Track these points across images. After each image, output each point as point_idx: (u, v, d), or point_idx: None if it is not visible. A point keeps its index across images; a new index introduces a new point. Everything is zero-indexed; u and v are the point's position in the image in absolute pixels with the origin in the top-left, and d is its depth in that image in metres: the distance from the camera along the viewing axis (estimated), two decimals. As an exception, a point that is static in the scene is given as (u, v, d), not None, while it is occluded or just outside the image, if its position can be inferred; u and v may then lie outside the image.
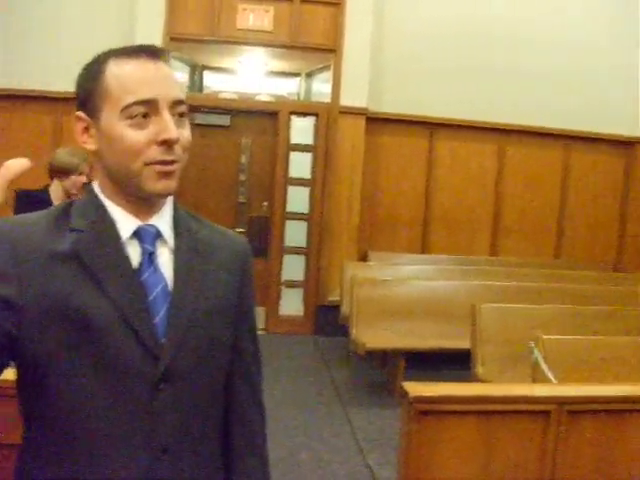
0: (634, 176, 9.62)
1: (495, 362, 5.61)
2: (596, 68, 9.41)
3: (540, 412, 3.00)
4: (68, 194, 4.65)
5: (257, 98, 9.68)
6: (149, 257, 1.49)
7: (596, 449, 3.15)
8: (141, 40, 1.53)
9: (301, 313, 9.01)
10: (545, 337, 4.60)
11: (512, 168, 9.50)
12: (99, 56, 1.48)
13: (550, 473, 3.04)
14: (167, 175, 1.45)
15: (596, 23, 9.43)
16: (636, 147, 9.61)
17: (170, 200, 1.58)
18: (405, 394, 2.91)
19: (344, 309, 7.48)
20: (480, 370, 5.57)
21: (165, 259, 1.52)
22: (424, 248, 9.37)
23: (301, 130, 8.95)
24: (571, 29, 9.38)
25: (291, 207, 8.94)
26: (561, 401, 2.99)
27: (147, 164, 1.43)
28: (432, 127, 9.26)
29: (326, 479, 5.08)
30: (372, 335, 6.68)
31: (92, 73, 1.47)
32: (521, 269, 8.54)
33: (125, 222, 1.49)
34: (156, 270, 1.49)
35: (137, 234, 1.49)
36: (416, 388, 2.95)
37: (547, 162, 9.56)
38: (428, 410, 2.87)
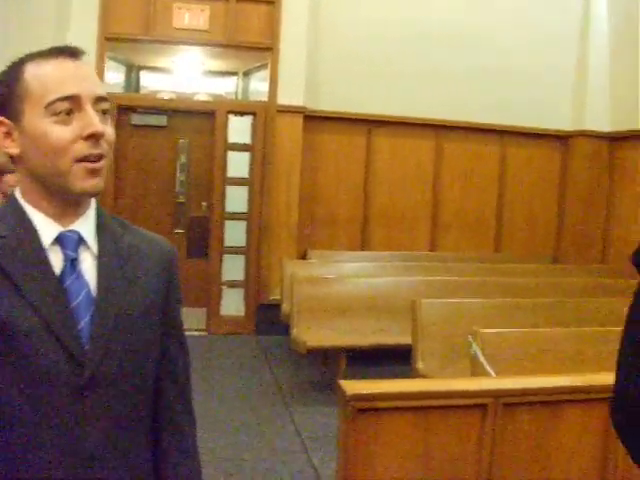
0: (570, 170, 9.77)
1: (436, 357, 5.64)
2: (531, 65, 9.53)
3: (476, 406, 3.02)
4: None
5: (195, 98, 9.62)
6: (71, 263, 1.46)
7: (533, 440, 3.19)
8: (74, 41, 1.52)
9: (242, 313, 8.97)
10: (483, 331, 4.64)
11: (450, 164, 9.59)
12: (15, 61, 1.47)
13: (488, 466, 3.07)
14: (95, 173, 1.43)
15: (531, 21, 9.56)
16: (571, 141, 9.76)
17: (94, 205, 1.55)
18: (342, 392, 2.91)
19: (285, 308, 7.47)
20: (421, 365, 5.60)
21: (88, 265, 1.49)
22: (364, 245, 9.40)
23: (239, 129, 8.91)
24: (506, 27, 9.48)
25: (230, 207, 8.89)
26: (497, 394, 3.02)
27: (76, 160, 1.41)
28: (370, 124, 9.29)
29: (270, 479, 5.07)
30: (313, 333, 6.67)
31: (10, 77, 1.45)
32: (461, 264, 8.62)
33: (46, 228, 1.46)
34: (79, 276, 1.46)
35: (59, 240, 1.46)
36: (353, 386, 2.94)
37: (484, 157, 9.67)
38: (365, 408, 2.87)
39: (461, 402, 3.02)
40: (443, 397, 3.00)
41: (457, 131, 9.50)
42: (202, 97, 9.65)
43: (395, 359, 6.79)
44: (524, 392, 3.13)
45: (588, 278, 7.94)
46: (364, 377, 6.60)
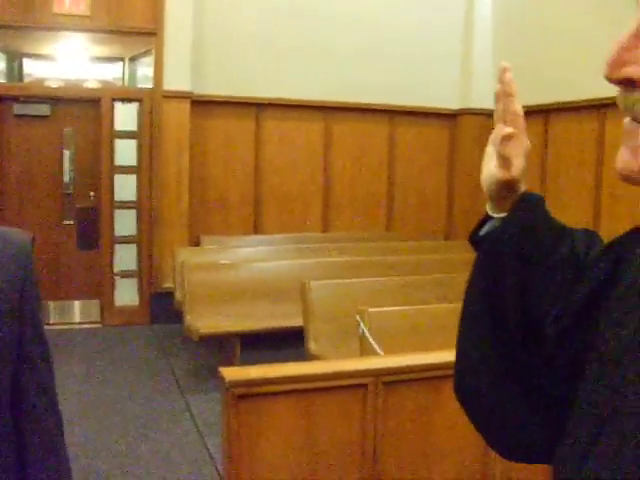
0: (459, 148, 9.95)
1: (327, 338, 5.68)
2: (418, 44, 9.64)
3: (357, 386, 3.06)
4: None
5: (84, 85, 9.39)
6: None
7: (416, 416, 3.25)
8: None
9: (137, 303, 8.86)
10: (370, 310, 4.70)
11: (340, 144, 9.64)
12: None
13: (372, 444, 3.11)
14: None
15: (419, 0, 9.68)
16: (459, 119, 9.94)
17: None
18: (222, 379, 2.90)
19: (177, 296, 7.41)
20: (313, 347, 5.64)
21: None
22: (257, 228, 9.39)
23: (125, 116, 8.77)
24: (394, 7, 9.56)
25: (119, 196, 8.75)
26: (376, 373, 3.06)
27: None
28: (258, 107, 9.26)
29: (167, 469, 5.04)
30: (206, 320, 6.64)
31: None
32: (353, 244, 8.68)
33: None
34: None
35: None
36: (232, 372, 2.95)
37: (373, 137, 9.76)
38: (245, 394, 2.87)
39: (342, 383, 3.05)
40: (323, 379, 3.02)
41: (346, 112, 9.56)
42: (89, 84, 9.43)
43: (291, 342, 6.82)
44: (403, 370, 3.18)
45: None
46: (260, 361, 6.63)
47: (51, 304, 8.70)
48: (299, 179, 9.51)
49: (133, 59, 9.75)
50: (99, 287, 8.77)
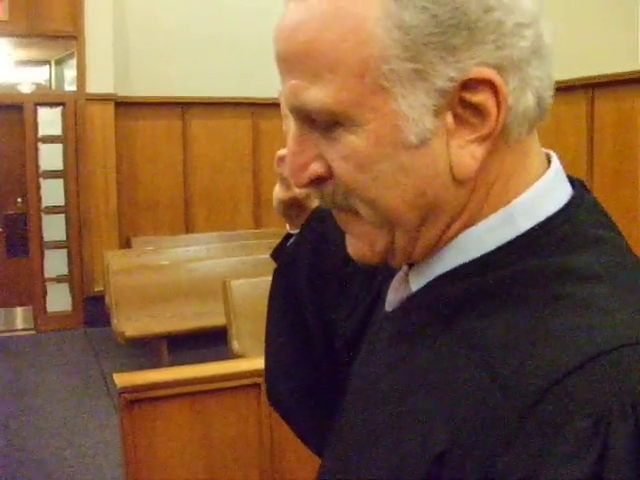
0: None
1: (250, 337, 5.73)
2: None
3: (250, 386, 3.11)
4: None
5: (12, 89, 9.29)
6: None
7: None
8: None
9: (70, 308, 8.81)
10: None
11: (268, 141, 9.67)
12: None
13: (269, 441, 3.17)
14: None
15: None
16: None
17: None
18: (114, 385, 2.95)
19: (107, 299, 7.40)
20: (236, 345, 5.69)
21: None
22: (188, 227, 9.40)
23: (49, 121, 8.69)
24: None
25: (47, 201, 8.67)
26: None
27: None
28: (184, 106, 9.26)
29: (91, 474, 5.05)
30: (133, 323, 6.64)
31: None
32: (283, 239, 8.70)
33: None
34: None
35: None
36: (123, 378, 2.98)
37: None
38: (137, 399, 2.91)
39: (234, 384, 3.10)
40: (215, 381, 3.07)
41: (274, 108, 9.56)
42: (17, 87, 9.35)
43: (220, 341, 6.85)
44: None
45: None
46: (188, 362, 6.66)
47: (-18, 313, 8.65)
48: (228, 177, 9.53)
49: (59, 61, 9.70)
50: (31, 294, 8.71)
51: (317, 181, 0.80)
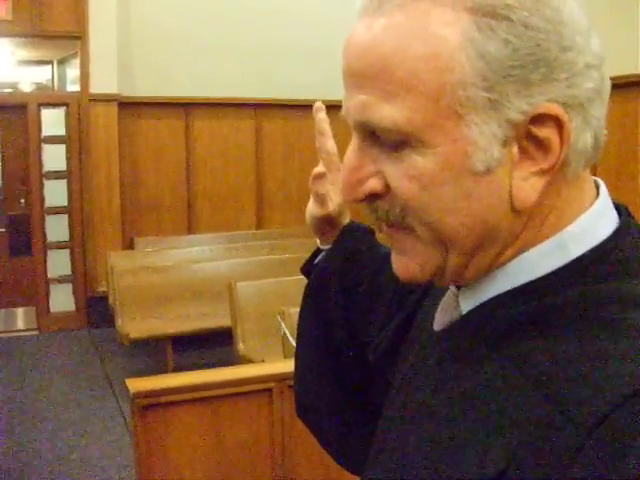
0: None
1: (256, 338, 5.74)
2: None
3: (262, 391, 3.13)
4: None
5: (15, 88, 9.30)
6: None
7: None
8: None
9: (73, 308, 8.82)
10: (291, 310, 4.75)
11: (270, 141, 9.69)
12: None
13: (280, 446, 3.18)
14: None
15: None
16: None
17: None
18: (127, 390, 2.95)
19: (110, 300, 7.41)
20: (242, 347, 5.70)
21: None
22: (191, 228, 9.41)
23: (53, 121, 8.70)
24: (323, 4, 9.59)
25: (50, 201, 8.69)
26: (280, 378, 3.12)
27: None
28: (187, 107, 9.27)
29: (98, 476, 5.06)
30: (137, 324, 6.65)
31: None
32: (286, 240, 8.72)
33: None
34: None
35: None
36: (136, 383, 3.00)
37: (304, 133, 9.79)
38: (150, 404, 2.92)
39: (246, 389, 3.11)
40: (227, 386, 3.08)
41: (277, 109, 9.59)
42: (20, 87, 9.35)
43: (225, 342, 6.86)
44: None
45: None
46: (193, 363, 6.69)
47: (-14, 313, 8.66)
48: (231, 177, 9.54)
49: (62, 61, 9.69)
50: (34, 294, 8.72)
51: (371, 197, 0.81)
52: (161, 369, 6.71)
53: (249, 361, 5.42)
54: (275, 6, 9.37)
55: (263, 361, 5.07)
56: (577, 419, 0.65)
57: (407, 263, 0.83)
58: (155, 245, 8.69)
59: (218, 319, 6.65)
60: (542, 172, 0.75)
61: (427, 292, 1.06)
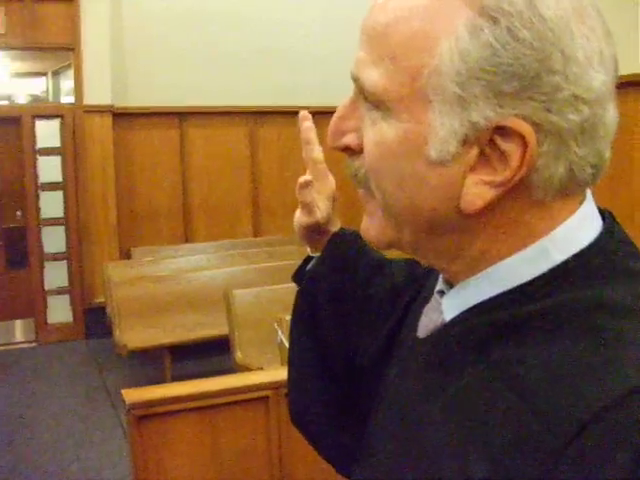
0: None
1: (253, 346, 5.74)
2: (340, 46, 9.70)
3: (258, 399, 3.13)
4: None
5: (9, 100, 9.32)
6: None
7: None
8: None
9: (71, 319, 8.82)
10: (288, 317, 4.75)
11: (266, 148, 9.70)
12: None
13: (277, 453, 3.18)
14: None
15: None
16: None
17: None
18: (123, 401, 2.96)
19: (108, 311, 7.41)
20: (239, 355, 5.70)
21: None
22: (188, 236, 9.41)
23: (48, 133, 8.70)
24: (323, 7, 9.61)
25: (46, 213, 8.69)
26: (276, 385, 3.12)
27: None
28: (181, 116, 9.28)
29: (97, 487, 5.06)
30: (135, 334, 6.64)
31: None
32: (283, 247, 8.72)
33: None
34: None
35: None
36: (132, 394, 2.99)
37: (299, 139, 9.78)
38: (146, 414, 2.92)
39: (243, 397, 3.11)
40: (223, 395, 3.08)
41: (271, 116, 9.60)
42: (14, 99, 9.36)
43: (224, 351, 6.86)
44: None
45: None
46: (191, 372, 6.68)
47: (-16, 325, 8.67)
48: (227, 185, 9.55)
49: (56, 73, 9.71)
50: (31, 306, 8.72)
51: (347, 151, 0.85)
52: (160, 379, 6.71)
53: (247, 369, 5.42)
54: (271, 15, 9.39)
55: (262, 369, 5.06)
56: (556, 429, 0.65)
57: (368, 227, 0.87)
58: (152, 255, 8.69)
59: (216, 327, 6.65)
60: (494, 184, 0.74)
61: (417, 296, 1.07)
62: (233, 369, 5.73)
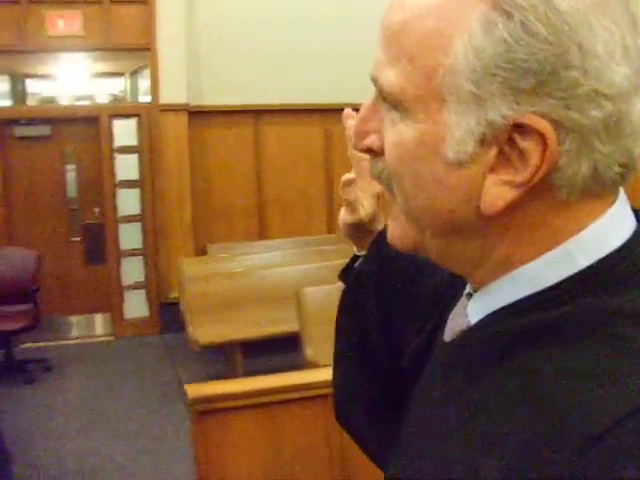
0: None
1: (324, 342, 5.71)
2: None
3: (318, 397, 3.12)
4: None
5: (89, 101, 9.52)
6: None
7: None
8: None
9: (146, 314, 8.99)
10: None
11: (340, 146, 9.68)
12: None
13: (338, 451, 3.17)
14: None
15: None
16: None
17: None
18: (185, 396, 2.99)
19: (182, 306, 7.51)
20: (310, 352, 5.71)
21: None
22: (262, 233, 9.47)
23: (125, 132, 8.88)
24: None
25: (123, 210, 8.88)
26: (337, 383, 3.11)
27: None
28: (256, 114, 9.34)
29: (166, 480, 5.14)
30: (207, 330, 6.70)
31: None
32: (356, 244, 8.68)
33: None
34: None
35: None
36: (194, 389, 3.02)
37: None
38: (208, 410, 2.95)
39: (303, 395, 3.12)
40: (284, 392, 3.09)
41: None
42: (93, 99, 9.55)
43: (295, 347, 6.88)
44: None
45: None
46: (262, 368, 6.71)
47: (63, 319, 8.87)
48: (301, 183, 9.57)
49: (134, 73, 9.87)
50: (109, 300, 8.91)
51: (370, 152, 0.84)
52: (231, 374, 6.77)
53: (317, 366, 5.42)
54: (340, 12, 9.38)
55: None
56: (569, 442, 0.63)
57: (392, 230, 0.86)
58: (227, 251, 8.77)
59: (288, 324, 6.65)
60: (515, 184, 0.72)
61: (457, 296, 1.06)
62: (304, 365, 5.75)
